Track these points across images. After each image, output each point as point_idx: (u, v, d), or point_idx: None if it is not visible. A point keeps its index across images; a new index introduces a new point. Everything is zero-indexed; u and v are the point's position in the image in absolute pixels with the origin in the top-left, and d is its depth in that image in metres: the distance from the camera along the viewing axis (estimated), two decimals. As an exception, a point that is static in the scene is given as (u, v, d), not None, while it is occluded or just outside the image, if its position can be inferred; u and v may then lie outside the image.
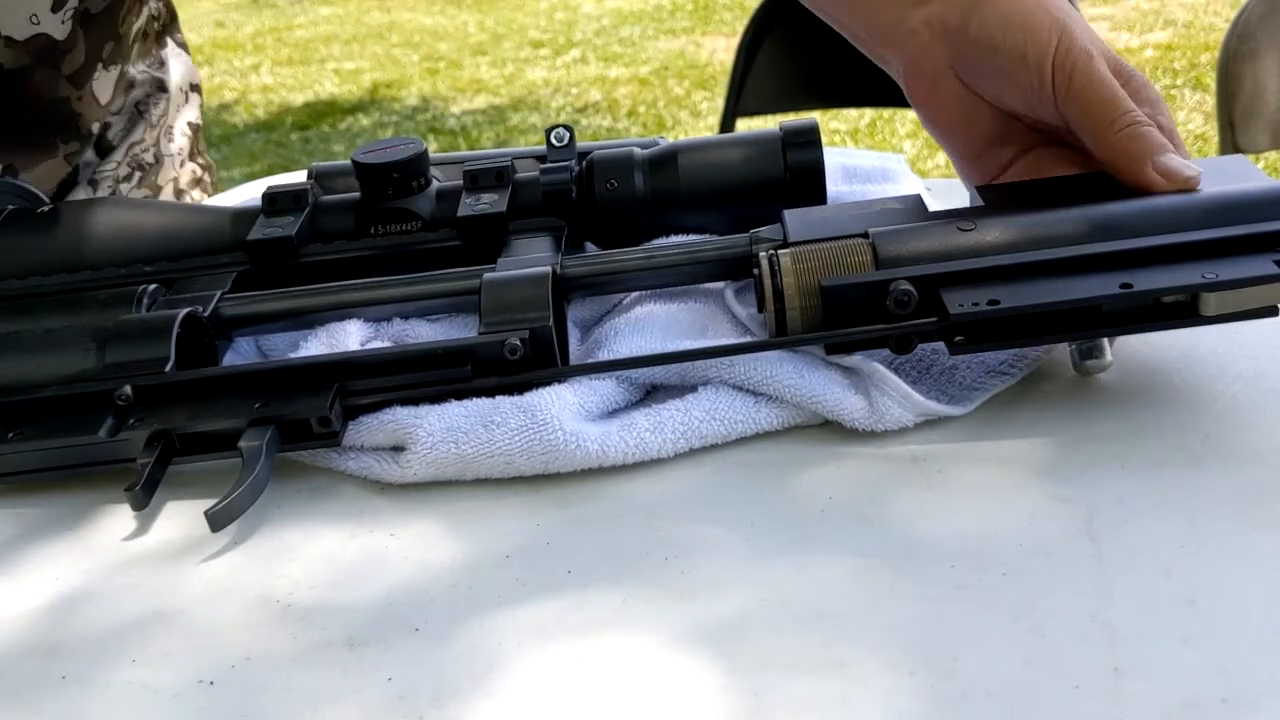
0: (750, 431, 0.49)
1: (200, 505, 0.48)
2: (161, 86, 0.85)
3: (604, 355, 0.50)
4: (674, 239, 0.56)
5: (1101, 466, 0.45)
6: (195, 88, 0.89)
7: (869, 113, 3.50)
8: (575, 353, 0.54)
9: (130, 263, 0.57)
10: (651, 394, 0.52)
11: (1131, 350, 0.53)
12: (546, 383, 0.49)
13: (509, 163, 0.58)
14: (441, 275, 0.54)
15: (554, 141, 0.59)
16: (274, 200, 0.58)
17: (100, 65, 0.77)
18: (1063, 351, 0.53)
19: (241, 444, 0.47)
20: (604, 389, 0.49)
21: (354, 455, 0.49)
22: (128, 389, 0.49)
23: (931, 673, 0.36)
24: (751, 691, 0.36)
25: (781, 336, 0.49)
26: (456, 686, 0.37)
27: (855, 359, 0.49)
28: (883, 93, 1.62)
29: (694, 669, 0.37)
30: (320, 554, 0.44)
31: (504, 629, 0.40)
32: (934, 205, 0.62)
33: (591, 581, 0.42)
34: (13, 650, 0.41)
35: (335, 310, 0.54)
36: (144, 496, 0.47)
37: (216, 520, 0.45)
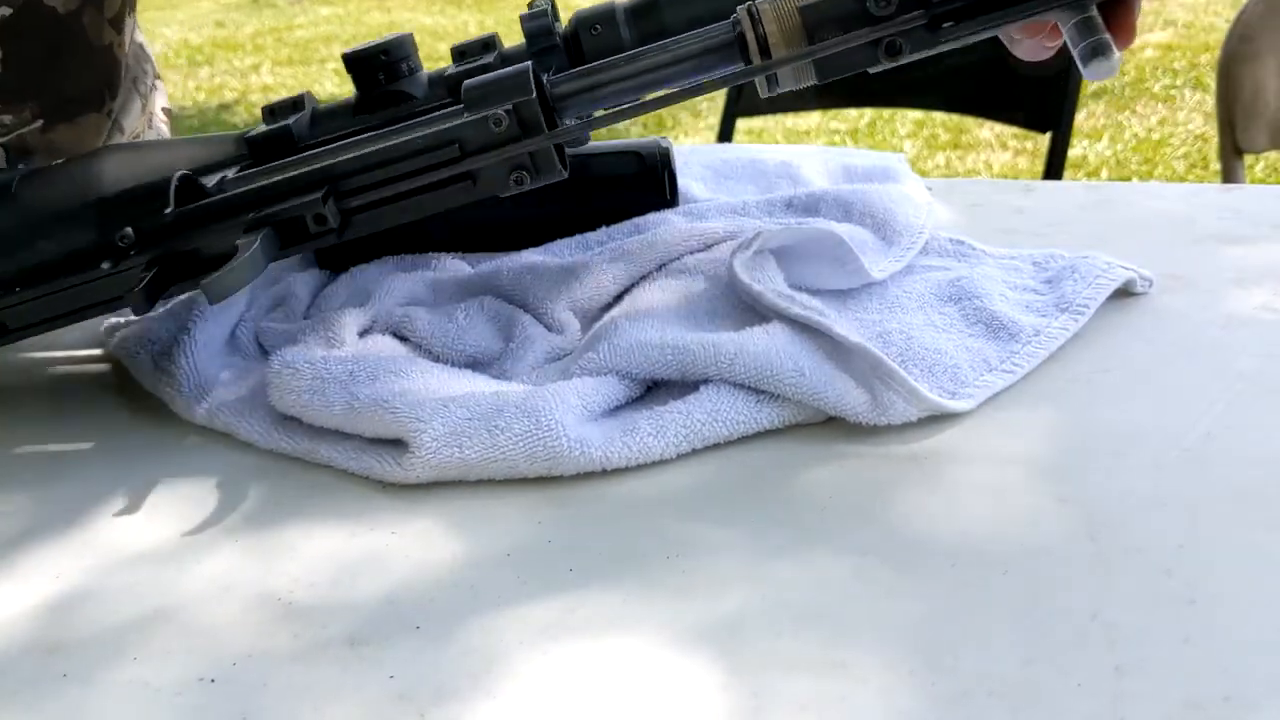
0: (752, 430, 0.49)
1: (199, 504, 0.48)
2: (144, 52, 0.83)
3: (604, 348, 0.50)
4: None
5: (1102, 465, 0.45)
6: (158, 75, 0.88)
7: (869, 113, 3.49)
8: (577, 347, 0.54)
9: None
10: (652, 390, 0.52)
11: (1132, 349, 0.53)
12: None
13: (493, 35, 0.58)
14: (427, 120, 0.52)
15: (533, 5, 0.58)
16: (273, 111, 0.58)
17: (128, 9, 0.75)
18: (1064, 351, 0.53)
19: (238, 243, 0.48)
20: (606, 387, 0.49)
21: (355, 455, 0.49)
22: (129, 230, 0.50)
23: (932, 672, 0.36)
24: (751, 691, 0.36)
25: (773, 93, 0.48)
26: (457, 685, 0.37)
27: (860, 342, 0.48)
28: (883, 93, 1.62)
29: (694, 668, 0.37)
30: (321, 552, 0.44)
31: (505, 627, 0.40)
32: (935, 206, 0.62)
33: (592, 580, 0.42)
34: (13, 648, 0.41)
35: (326, 175, 0.52)
36: (144, 301, 0.48)
37: (212, 289, 0.46)
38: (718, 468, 0.48)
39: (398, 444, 0.48)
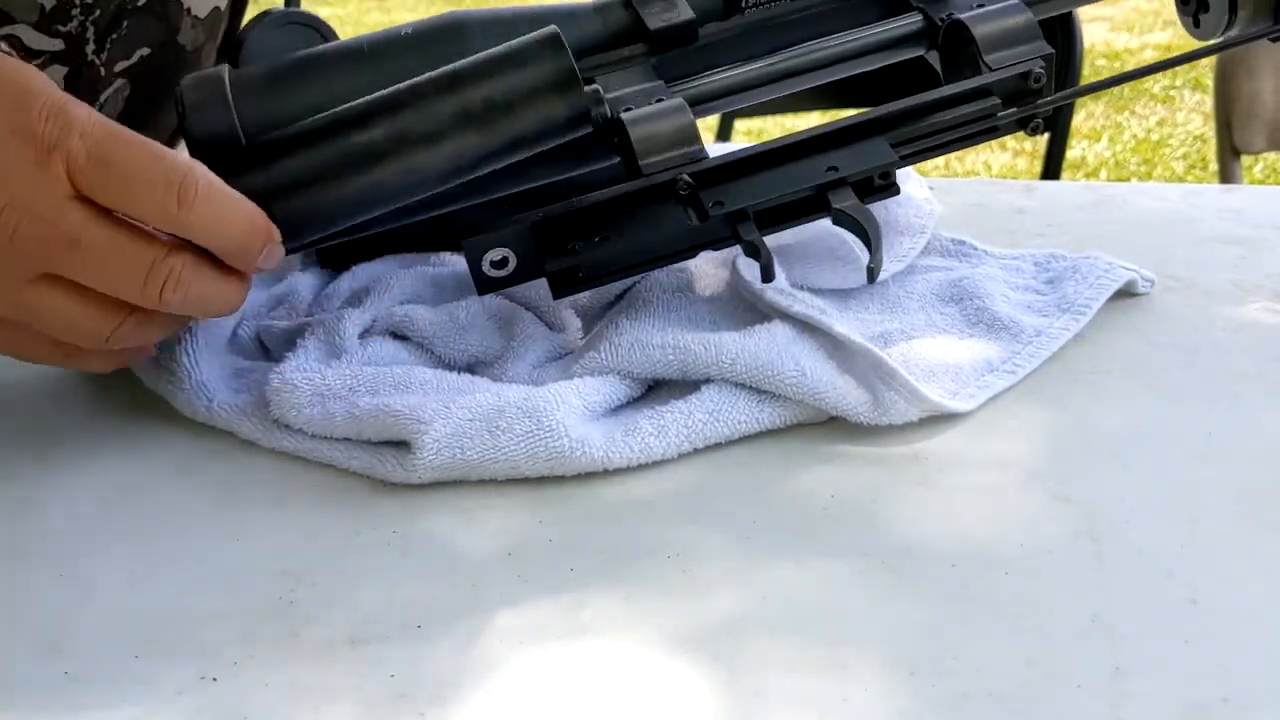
0: (753, 430, 0.49)
1: (199, 503, 0.48)
2: None
3: (606, 348, 0.50)
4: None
5: (1103, 466, 0.45)
6: None
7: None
8: (578, 346, 0.54)
9: None
10: (654, 390, 0.52)
11: (1133, 350, 0.53)
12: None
13: None
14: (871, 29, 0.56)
15: None
16: None
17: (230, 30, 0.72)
18: (1064, 351, 0.53)
19: (837, 206, 0.50)
20: (607, 387, 0.49)
21: (357, 454, 0.48)
22: (685, 177, 0.50)
23: (933, 672, 0.36)
24: (752, 691, 0.36)
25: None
26: (458, 684, 0.37)
27: (861, 342, 0.48)
28: (882, 94, 1.62)
29: (695, 668, 0.37)
30: (322, 551, 0.44)
31: (506, 627, 0.40)
32: (934, 205, 0.62)
33: (593, 580, 0.42)
34: (15, 647, 0.41)
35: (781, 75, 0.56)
36: (769, 266, 0.50)
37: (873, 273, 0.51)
38: (718, 467, 0.48)
39: (400, 444, 0.48)
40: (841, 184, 0.51)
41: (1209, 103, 3.27)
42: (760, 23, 0.56)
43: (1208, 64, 3.57)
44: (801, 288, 0.55)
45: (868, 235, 0.51)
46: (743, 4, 0.56)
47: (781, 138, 0.52)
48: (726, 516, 0.45)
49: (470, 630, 0.40)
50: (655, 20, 0.55)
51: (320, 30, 0.57)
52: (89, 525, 0.47)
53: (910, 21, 0.56)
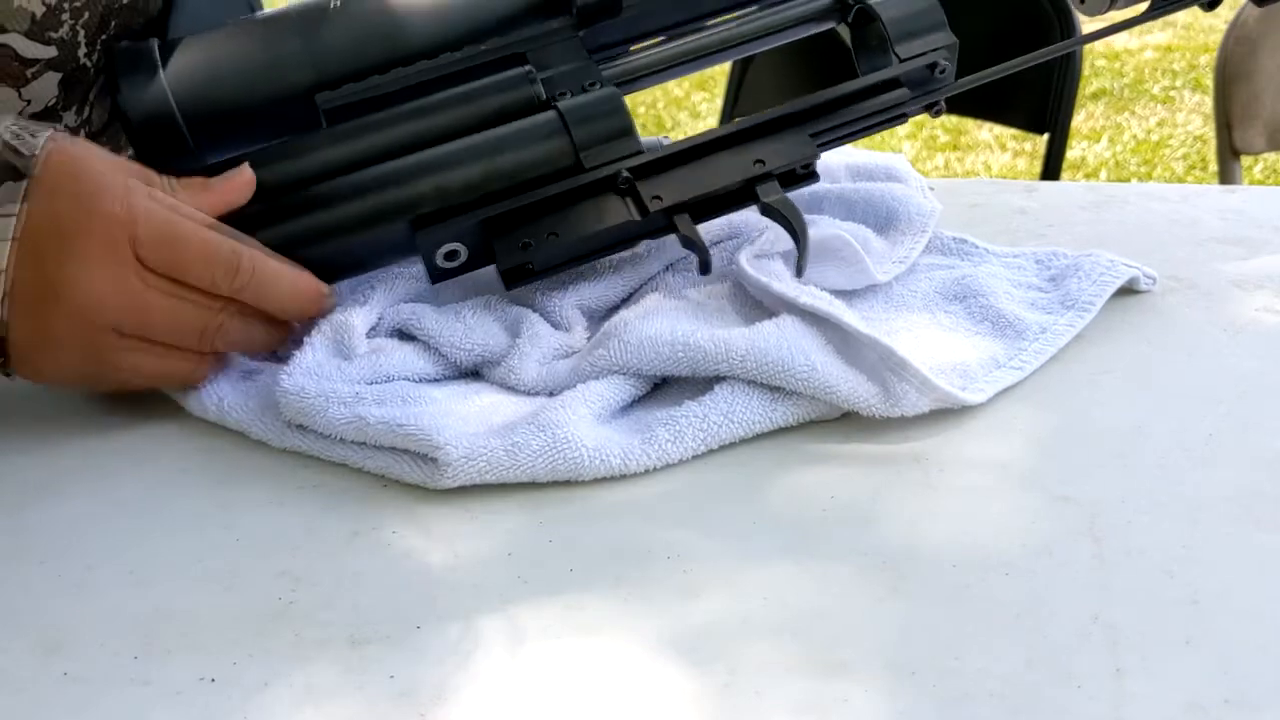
0: (767, 429, 0.49)
1: (200, 503, 0.48)
2: None
3: (614, 345, 0.50)
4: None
5: (1104, 466, 0.45)
6: None
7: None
8: (582, 346, 0.54)
9: (455, 45, 0.56)
10: (661, 387, 0.52)
11: (1133, 350, 0.53)
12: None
13: None
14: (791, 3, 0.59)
15: None
16: None
17: None
18: (1065, 352, 0.53)
19: (765, 200, 0.53)
20: (613, 389, 0.49)
21: (371, 454, 0.48)
22: (625, 172, 0.52)
23: (933, 673, 0.36)
24: (753, 691, 0.36)
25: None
26: (458, 684, 0.37)
27: (870, 333, 0.48)
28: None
29: (695, 668, 0.37)
30: (322, 551, 0.44)
31: (506, 627, 0.40)
32: (935, 204, 0.62)
33: (593, 580, 0.42)
34: (14, 648, 0.40)
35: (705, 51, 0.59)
36: (707, 262, 0.53)
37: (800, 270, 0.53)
38: (718, 468, 0.47)
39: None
40: (768, 177, 0.54)
41: (1209, 103, 3.27)
42: None
43: (1208, 65, 3.56)
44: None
45: (794, 228, 0.53)
46: None
47: (710, 131, 0.55)
48: (726, 517, 0.44)
49: (470, 630, 0.40)
50: None
51: (249, 2, 0.61)
52: (89, 525, 0.47)
53: None
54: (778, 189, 0.54)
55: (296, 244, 0.53)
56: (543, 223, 0.53)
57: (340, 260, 0.54)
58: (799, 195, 0.63)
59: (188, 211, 0.51)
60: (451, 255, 0.53)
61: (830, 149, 0.57)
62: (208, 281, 0.50)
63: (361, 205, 0.53)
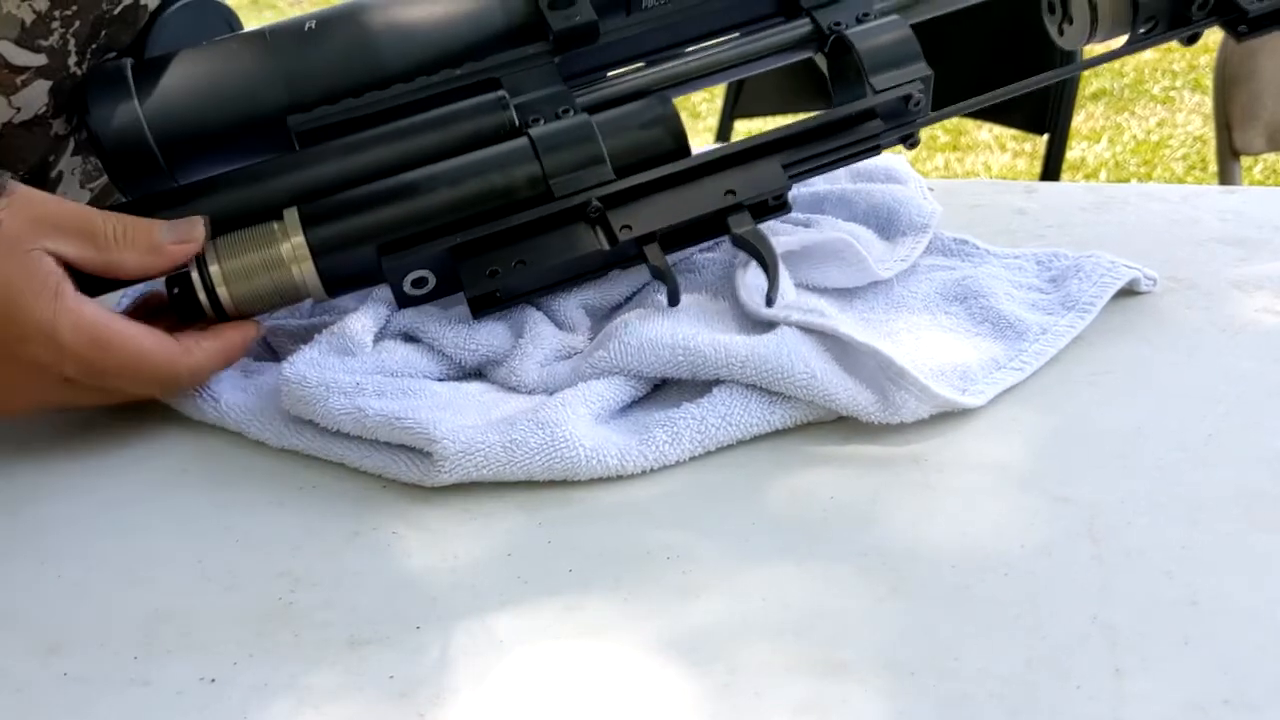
0: (764, 431, 0.49)
1: (200, 503, 0.48)
2: None
3: (615, 347, 0.50)
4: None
5: (1103, 467, 0.45)
6: None
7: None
8: (585, 346, 0.54)
9: (431, 68, 0.56)
10: (660, 388, 0.52)
11: (1133, 350, 0.53)
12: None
13: None
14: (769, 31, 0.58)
15: None
16: None
17: None
18: (1065, 352, 0.53)
19: (736, 231, 0.53)
20: (613, 389, 0.49)
21: (369, 453, 0.48)
22: (595, 200, 0.52)
23: (933, 673, 0.36)
24: (753, 691, 0.36)
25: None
26: (458, 685, 0.37)
27: (868, 343, 0.48)
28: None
29: (695, 669, 0.37)
30: (322, 551, 0.44)
31: (505, 627, 0.40)
32: (935, 205, 0.62)
33: (593, 580, 0.42)
34: (14, 648, 0.40)
35: (683, 78, 0.58)
36: (675, 292, 0.52)
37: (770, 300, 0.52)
38: (717, 469, 0.48)
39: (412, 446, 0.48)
40: (740, 208, 0.53)
41: (1209, 104, 3.27)
42: (658, 18, 0.58)
43: (1207, 65, 3.57)
44: (806, 287, 0.55)
45: (764, 260, 0.52)
46: (643, 2, 0.58)
47: (682, 160, 0.54)
48: (725, 517, 0.44)
49: (470, 630, 0.40)
50: (559, 21, 0.56)
51: (229, 21, 0.61)
52: (89, 525, 0.47)
53: (799, 26, 0.59)
54: (749, 220, 0.53)
55: None
56: (511, 250, 0.52)
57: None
58: (799, 195, 0.64)
59: (118, 327, 0.49)
60: (419, 282, 0.53)
61: (802, 180, 0.56)
62: (146, 393, 0.52)
63: (329, 230, 0.52)
